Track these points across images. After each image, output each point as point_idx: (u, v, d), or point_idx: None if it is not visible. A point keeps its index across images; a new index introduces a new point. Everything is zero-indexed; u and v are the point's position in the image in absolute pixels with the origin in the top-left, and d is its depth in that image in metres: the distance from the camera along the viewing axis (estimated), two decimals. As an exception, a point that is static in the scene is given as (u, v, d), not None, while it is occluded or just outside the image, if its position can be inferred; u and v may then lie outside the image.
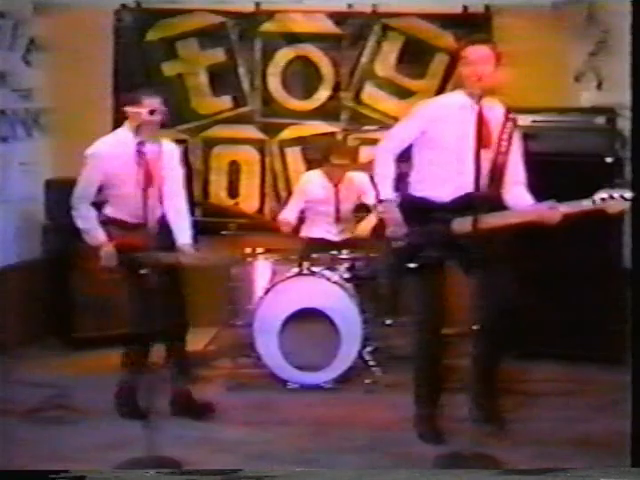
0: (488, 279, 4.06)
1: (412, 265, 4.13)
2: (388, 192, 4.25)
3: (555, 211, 3.96)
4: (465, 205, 3.98)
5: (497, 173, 4.12)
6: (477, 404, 4.19)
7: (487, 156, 4.06)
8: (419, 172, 4.27)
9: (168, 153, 4.67)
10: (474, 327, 3.93)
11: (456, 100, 4.21)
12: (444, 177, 4.14)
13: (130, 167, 4.37)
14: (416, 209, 4.18)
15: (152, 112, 4.50)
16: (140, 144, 4.28)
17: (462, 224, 4.01)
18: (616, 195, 3.87)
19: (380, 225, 4.32)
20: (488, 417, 4.25)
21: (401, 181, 4.29)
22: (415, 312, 4.33)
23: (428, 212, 4.15)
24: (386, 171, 4.28)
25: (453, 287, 4.25)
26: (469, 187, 3.93)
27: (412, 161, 4.29)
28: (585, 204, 3.91)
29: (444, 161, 4.15)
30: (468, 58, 4.13)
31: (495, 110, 4.16)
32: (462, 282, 4.21)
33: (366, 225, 5.74)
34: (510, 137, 4.14)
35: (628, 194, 3.85)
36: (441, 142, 4.16)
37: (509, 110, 4.19)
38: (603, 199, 3.87)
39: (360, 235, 5.75)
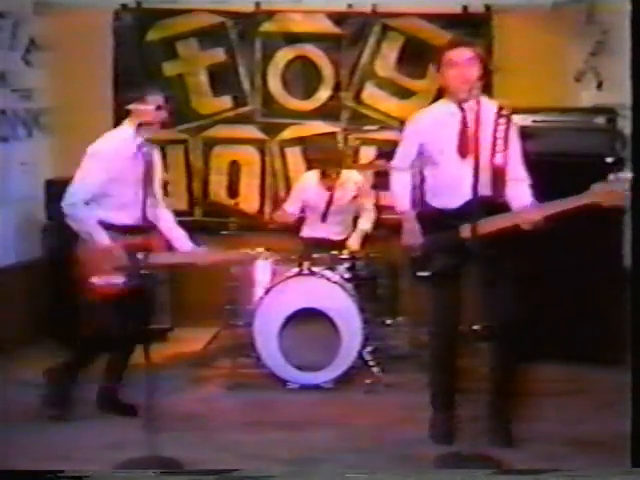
0: (501, 286, 4.06)
1: (424, 274, 4.12)
2: (405, 205, 4.30)
3: (539, 212, 3.94)
4: (471, 211, 3.92)
5: (499, 174, 4.09)
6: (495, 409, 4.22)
7: (484, 159, 4.02)
8: (428, 182, 4.25)
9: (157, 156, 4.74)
10: (474, 327, 3.93)
11: (444, 108, 4.19)
12: (448, 185, 4.13)
13: (132, 167, 4.39)
14: (431, 219, 4.18)
15: (159, 108, 4.53)
16: (141, 144, 4.31)
17: (466, 230, 3.98)
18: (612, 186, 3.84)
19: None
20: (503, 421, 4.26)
21: (418, 192, 4.31)
22: (430, 319, 4.30)
23: (441, 221, 4.13)
24: (400, 188, 4.35)
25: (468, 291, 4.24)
26: (471, 193, 3.89)
27: (423, 173, 4.28)
28: (570, 201, 3.85)
29: (445, 169, 4.15)
30: (452, 60, 4.08)
31: (490, 111, 4.13)
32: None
33: (356, 239, 5.91)
34: (506, 135, 4.10)
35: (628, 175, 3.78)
36: (438, 151, 4.16)
37: (501, 108, 4.15)
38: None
39: (354, 247, 5.82)
